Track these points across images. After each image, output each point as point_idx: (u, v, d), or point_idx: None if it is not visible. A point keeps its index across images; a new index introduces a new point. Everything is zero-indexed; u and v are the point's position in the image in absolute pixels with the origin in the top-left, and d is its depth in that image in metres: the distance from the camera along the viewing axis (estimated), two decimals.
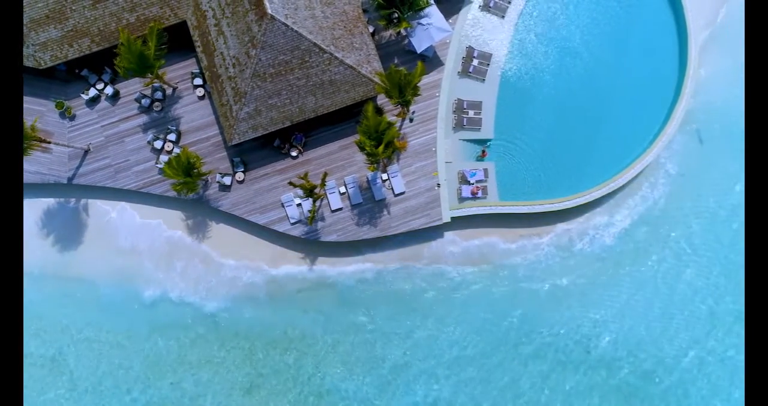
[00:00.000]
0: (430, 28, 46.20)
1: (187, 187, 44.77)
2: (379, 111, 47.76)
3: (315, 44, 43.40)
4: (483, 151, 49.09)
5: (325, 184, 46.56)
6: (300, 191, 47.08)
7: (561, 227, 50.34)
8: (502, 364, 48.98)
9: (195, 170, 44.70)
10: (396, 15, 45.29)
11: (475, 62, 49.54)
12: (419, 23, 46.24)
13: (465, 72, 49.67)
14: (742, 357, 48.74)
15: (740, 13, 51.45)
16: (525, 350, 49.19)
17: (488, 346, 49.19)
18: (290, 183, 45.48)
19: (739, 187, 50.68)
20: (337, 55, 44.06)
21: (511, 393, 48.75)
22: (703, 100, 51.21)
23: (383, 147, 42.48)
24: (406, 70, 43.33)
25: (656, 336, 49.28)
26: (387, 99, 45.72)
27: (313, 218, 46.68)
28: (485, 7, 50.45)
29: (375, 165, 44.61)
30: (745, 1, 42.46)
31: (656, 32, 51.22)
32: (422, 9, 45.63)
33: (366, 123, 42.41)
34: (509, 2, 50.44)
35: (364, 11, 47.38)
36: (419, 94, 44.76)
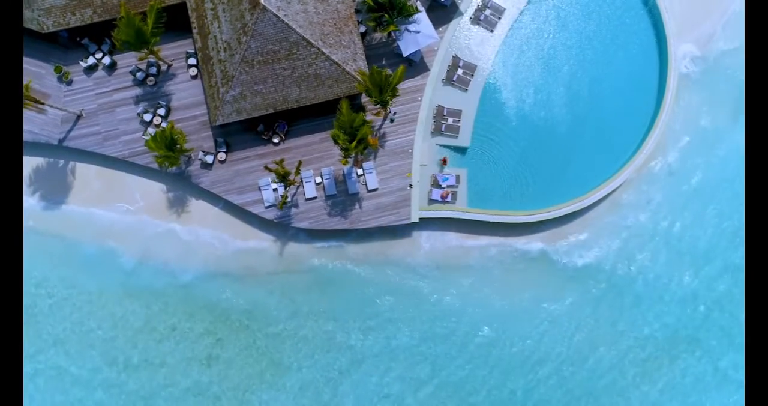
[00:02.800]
0: (418, 34, 47.88)
1: (168, 161, 46.70)
2: (360, 109, 49.60)
3: (303, 38, 45.37)
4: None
5: (299, 173, 48.38)
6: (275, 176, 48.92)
7: (524, 239, 51.65)
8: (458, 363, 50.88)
9: (177, 146, 46.63)
10: (385, 18, 47.04)
11: (460, 72, 51.15)
12: (407, 29, 47.96)
13: (449, 80, 51.28)
14: None
15: (724, 47, 53.12)
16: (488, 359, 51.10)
17: (447, 345, 51.00)
18: (266, 167, 47.36)
19: (704, 213, 52.08)
20: (324, 50, 45.97)
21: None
22: (677, 133, 52.42)
23: (356, 143, 44.33)
24: (386, 71, 45.11)
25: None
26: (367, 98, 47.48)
27: (284, 203, 48.54)
28: (476, 20, 52.00)
29: (348, 159, 46.42)
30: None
31: (640, 61, 52.59)
32: (411, 15, 47.34)
33: (341, 118, 44.27)
34: (499, 18, 51.93)
35: (357, 12, 49.14)
36: (398, 95, 46.66)
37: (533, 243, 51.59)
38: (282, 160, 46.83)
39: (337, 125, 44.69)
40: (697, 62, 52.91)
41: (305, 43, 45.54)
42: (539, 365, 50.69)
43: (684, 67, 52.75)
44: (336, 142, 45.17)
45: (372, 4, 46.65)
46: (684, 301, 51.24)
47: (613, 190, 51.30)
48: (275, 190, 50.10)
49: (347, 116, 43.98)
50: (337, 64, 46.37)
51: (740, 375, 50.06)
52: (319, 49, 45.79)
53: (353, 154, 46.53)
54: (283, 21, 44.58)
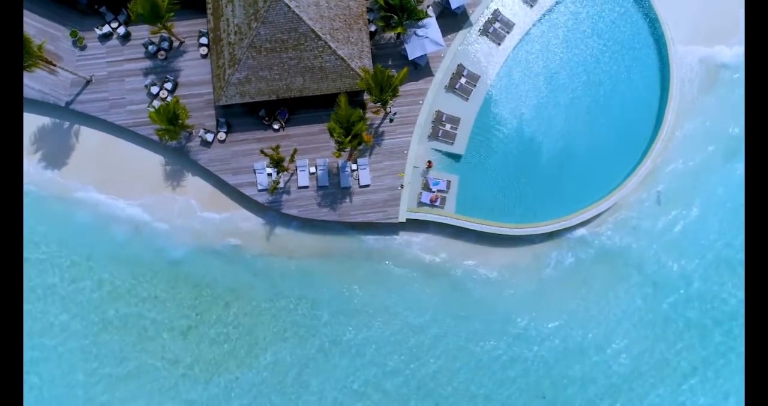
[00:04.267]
0: (425, 39, 48.80)
1: (168, 135, 47.78)
2: (361, 105, 50.50)
3: (312, 30, 46.42)
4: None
5: (294, 160, 49.41)
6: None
7: (503, 251, 52.50)
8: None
9: (179, 121, 47.69)
10: (394, 19, 47.90)
11: (463, 80, 51.99)
12: (415, 33, 48.87)
13: (451, 87, 52.16)
14: None
15: (726, 84, 54.13)
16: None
17: (421, 337, 51.86)
18: (261, 151, 48.40)
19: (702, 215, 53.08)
20: (331, 44, 46.99)
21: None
22: (671, 164, 53.23)
23: (350, 138, 45.30)
24: (390, 72, 45.96)
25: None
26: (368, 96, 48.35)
27: (275, 188, 49.59)
28: (484, 32, 52.85)
29: (342, 153, 47.37)
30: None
31: (642, 89, 53.37)
32: (420, 19, 48.21)
33: (339, 112, 45.23)
34: (508, 32, 52.77)
35: (369, 10, 50.08)
36: (398, 96, 47.58)
37: (520, 244, 52.49)
38: (278, 147, 47.84)
39: (335, 119, 45.59)
40: (699, 84, 53.93)
41: (313, 36, 46.56)
42: (510, 365, 51.70)
43: (686, 89, 53.70)
44: (331, 135, 46.14)
45: (383, 4, 47.53)
46: (673, 296, 52.55)
47: (603, 211, 52.14)
48: (270, 174, 51.04)
49: (345, 111, 44.93)
50: (342, 59, 47.37)
51: (737, 368, 51.02)
52: (326, 42, 46.81)
53: (347, 149, 47.47)
54: (294, 12, 45.66)
